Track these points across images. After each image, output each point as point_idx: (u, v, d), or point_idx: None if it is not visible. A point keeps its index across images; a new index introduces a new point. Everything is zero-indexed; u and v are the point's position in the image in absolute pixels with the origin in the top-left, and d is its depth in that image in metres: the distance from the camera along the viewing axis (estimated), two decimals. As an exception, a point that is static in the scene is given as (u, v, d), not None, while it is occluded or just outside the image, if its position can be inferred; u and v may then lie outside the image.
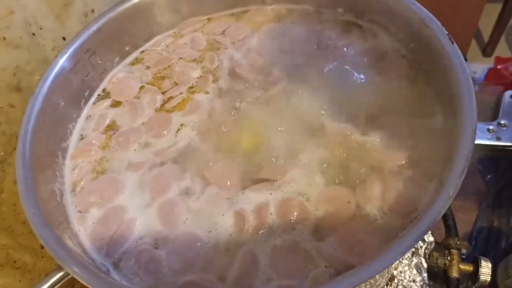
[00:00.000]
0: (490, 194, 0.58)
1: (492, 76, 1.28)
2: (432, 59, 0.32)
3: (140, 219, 0.31)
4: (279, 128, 0.33)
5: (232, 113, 0.35)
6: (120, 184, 0.33)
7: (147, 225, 0.31)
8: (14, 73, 0.36)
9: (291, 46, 0.38)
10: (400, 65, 0.35)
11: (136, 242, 0.30)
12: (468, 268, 0.44)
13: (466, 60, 0.70)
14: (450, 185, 0.24)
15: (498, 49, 1.72)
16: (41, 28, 0.38)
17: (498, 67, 1.25)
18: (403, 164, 0.30)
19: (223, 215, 0.30)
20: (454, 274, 0.42)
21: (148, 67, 0.42)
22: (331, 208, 0.29)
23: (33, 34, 0.38)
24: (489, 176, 0.59)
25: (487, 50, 1.77)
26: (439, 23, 0.32)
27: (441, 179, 0.26)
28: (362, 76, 0.35)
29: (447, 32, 0.31)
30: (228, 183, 0.31)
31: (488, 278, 0.43)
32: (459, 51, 0.29)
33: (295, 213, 0.29)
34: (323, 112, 0.33)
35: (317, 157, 0.31)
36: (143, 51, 0.43)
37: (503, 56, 1.44)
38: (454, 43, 0.30)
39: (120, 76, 0.41)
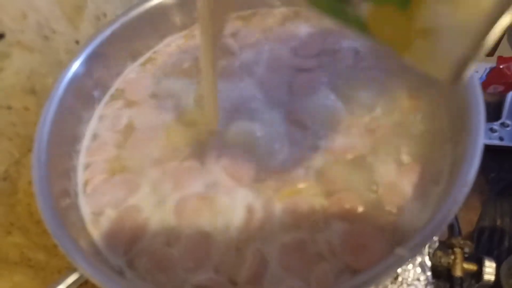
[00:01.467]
0: (493, 193, 0.58)
1: (494, 75, 1.28)
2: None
3: (155, 217, 0.32)
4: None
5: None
6: (134, 183, 0.34)
7: (162, 222, 0.32)
8: (29, 77, 0.37)
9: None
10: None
11: (150, 240, 0.31)
12: (472, 267, 0.44)
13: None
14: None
15: (500, 49, 1.72)
16: (54, 32, 0.39)
17: (501, 66, 1.26)
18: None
19: (235, 210, 0.31)
20: (458, 273, 0.42)
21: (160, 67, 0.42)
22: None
23: (46, 38, 0.39)
24: (492, 175, 0.60)
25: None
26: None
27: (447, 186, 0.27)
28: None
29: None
30: (244, 177, 0.32)
31: (492, 278, 0.44)
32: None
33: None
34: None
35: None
36: (155, 52, 0.44)
37: (505, 55, 1.44)
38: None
39: (133, 76, 0.42)
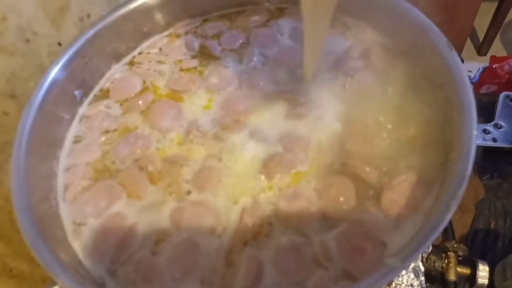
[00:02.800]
0: (487, 195, 0.58)
1: (487, 75, 1.28)
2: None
3: (142, 223, 0.31)
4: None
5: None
6: (117, 190, 0.33)
7: (149, 229, 0.31)
8: (8, 80, 0.36)
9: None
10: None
11: (135, 249, 0.30)
12: (466, 271, 0.44)
13: (462, 61, 0.69)
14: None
15: (493, 48, 1.73)
16: (36, 34, 0.38)
17: (493, 66, 1.26)
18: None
19: (226, 215, 0.30)
20: (452, 277, 0.42)
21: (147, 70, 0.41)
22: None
23: (28, 40, 0.37)
24: (486, 177, 0.59)
25: (482, 49, 1.78)
26: (438, 30, 0.31)
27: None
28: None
29: (446, 39, 0.31)
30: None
31: (486, 281, 0.43)
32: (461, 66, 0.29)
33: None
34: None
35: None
36: (140, 53, 0.43)
37: (498, 55, 1.44)
38: (453, 50, 0.30)
39: (119, 76, 0.41)
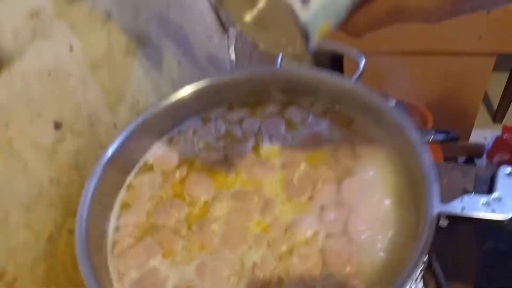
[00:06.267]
0: (487, 266, 0.61)
1: (499, 144, 1.33)
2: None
3: (172, 276, 0.39)
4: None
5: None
6: (155, 248, 0.41)
7: (178, 280, 0.38)
8: (75, 155, 0.46)
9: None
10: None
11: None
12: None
13: (458, 138, 0.76)
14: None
15: (507, 118, 1.78)
16: (99, 119, 0.49)
17: (504, 136, 1.31)
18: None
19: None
20: None
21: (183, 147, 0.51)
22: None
23: (92, 124, 0.48)
24: (485, 247, 0.63)
25: (497, 116, 1.83)
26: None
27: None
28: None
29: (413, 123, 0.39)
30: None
31: None
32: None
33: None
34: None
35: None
36: (179, 132, 0.53)
37: (510, 125, 1.49)
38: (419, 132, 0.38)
39: (161, 152, 0.51)
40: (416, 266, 0.31)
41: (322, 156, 0.46)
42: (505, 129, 1.37)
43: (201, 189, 0.45)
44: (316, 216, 0.41)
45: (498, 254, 0.62)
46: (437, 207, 0.34)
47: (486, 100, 1.89)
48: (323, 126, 0.49)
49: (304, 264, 0.37)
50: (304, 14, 0.27)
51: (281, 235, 0.40)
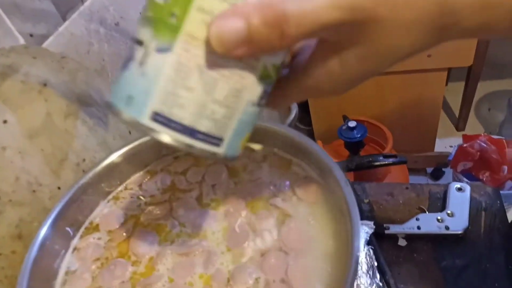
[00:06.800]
0: (447, 282, 0.63)
1: (461, 153, 1.37)
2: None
3: None
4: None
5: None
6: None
7: None
8: (17, 225, 0.46)
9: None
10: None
11: None
12: None
13: (405, 161, 0.78)
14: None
15: (471, 124, 1.85)
16: (40, 185, 0.49)
17: (465, 145, 1.35)
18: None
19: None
20: None
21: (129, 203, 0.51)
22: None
23: (34, 191, 0.48)
24: (443, 264, 0.65)
25: (459, 125, 1.89)
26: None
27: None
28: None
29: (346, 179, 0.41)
30: None
31: None
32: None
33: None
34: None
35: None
36: (125, 189, 0.53)
37: (474, 130, 1.55)
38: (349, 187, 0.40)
39: (106, 211, 0.51)
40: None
41: (262, 201, 0.47)
42: (466, 138, 1.42)
43: (146, 245, 0.46)
44: (257, 264, 0.41)
45: (456, 269, 0.64)
46: (359, 246, 0.35)
47: (448, 110, 1.96)
48: (264, 170, 0.51)
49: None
50: (222, 149, 0.29)
51: (223, 286, 0.40)
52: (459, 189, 0.73)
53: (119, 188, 0.54)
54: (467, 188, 0.73)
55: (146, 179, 0.54)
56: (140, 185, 0.53)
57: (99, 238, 0.49)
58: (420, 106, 1.50)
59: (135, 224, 0.49)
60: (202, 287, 0.41)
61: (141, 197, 0.52)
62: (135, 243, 0.47)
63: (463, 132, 1.84)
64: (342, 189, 0.40)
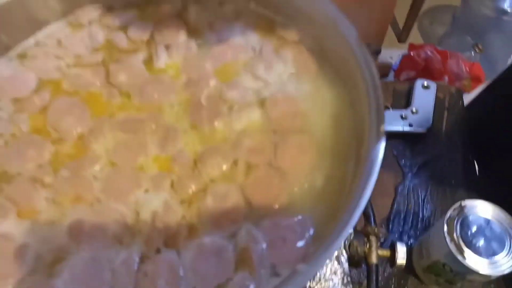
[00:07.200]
0: (405, 178, 0.61)
1: (406, 62, 1.36)
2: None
3: (34, 244, 0.27)
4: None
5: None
6: (4, 207, 0.28)
7: (42, 249, 0.27)
8: None
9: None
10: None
11: (25, 274, 0.26)
12: (386, 253, 0.46)
13: (379, 51, 0.72)
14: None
15: (412, 36, 1.85)
16: None
17: (411, 53, 1.34)
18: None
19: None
20: (374, 260, 0.43)
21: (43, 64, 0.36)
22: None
23: None
24: (403, 161, 0.63)
25: (402, 36, 1.88)
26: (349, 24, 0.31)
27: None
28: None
29: (357, 34, 0.30)
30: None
31: (404, 262, 0.46)
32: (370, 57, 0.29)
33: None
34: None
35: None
36: (36, 44, 0.38)
37: (416, 42, 1.53)
38: (364, 46, 0.30)
39: (8, 73, 0.36)
40: (364, 192, 0.24)
41: (237, 68, 0.36)
42: (411, 47, 1.40)
43: (72, 119, 0.33)
44: (233, 144, 0.31)
45: (416, 167, 0.62)
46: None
47: (393, 20, 1.92)
48: (236, 31, 0.38)
49: (221, 205, 0.28)
50: None
51: (189, 171, 0.30)
52: (425, 87, 0.69)
53: (27, 43, 0.37)
54: (433, 86, 0.69)
55: (66, 33, 0.38)
56: (59, 41, 0.38)
57: (-1, 109, 0.34)
58: (370, 10, 1.42)
59: (54, 91, 0.35)
60: (157, 171, 0.31)
61: (61, 57, 0.37)
62: (55, 115, 0.33)
63: (404, 44, 1.84)
64: (352, 49, 0.30)
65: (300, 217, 0.28)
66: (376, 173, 0.24)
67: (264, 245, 0.26)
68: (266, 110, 0.33)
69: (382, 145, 0.25)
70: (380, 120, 0.26)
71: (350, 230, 0.22)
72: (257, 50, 0.36)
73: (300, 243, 0.26)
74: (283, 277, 0.25)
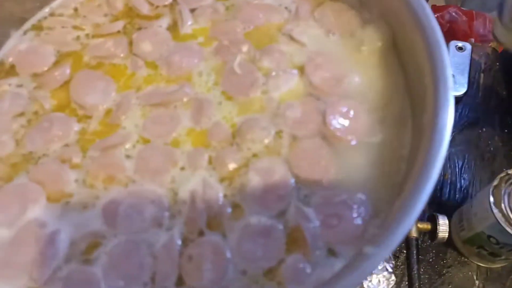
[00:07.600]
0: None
1: (429, 25, 1.29)
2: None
3: (67, 229, 0.25)
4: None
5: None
6: (33, 191, 0.26)
7: (76, 235, 0.25)
8: None
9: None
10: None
11: (61, 262, 0.24)
12: (426, 226, 0.44)
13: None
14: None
15: (432, -2, 1.75)
16: None
17: (435, 16, 1.27)
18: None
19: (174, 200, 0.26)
20: (413, 234, 0.42)
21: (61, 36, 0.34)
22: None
23: None
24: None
25: (422, -2, 1.79)
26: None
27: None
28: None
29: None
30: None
31: (446, 235, 0.44)
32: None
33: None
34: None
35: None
36: (51, 15, 0.35)
37: (438, 4, 1.46)
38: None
39: (24, 47, 0.33)
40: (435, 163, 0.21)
41: (271, 31, 0.32)
42: (434, 9, 1.33)
43: (97, 94, 0.30)
44: (273, 114, 0.28)
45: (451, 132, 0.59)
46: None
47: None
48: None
49: (266, 181, 0.26)
50: None
51: (227, 146, 0.28)
52: (460, 48, 0.64)
53: (41, 13, 0.35)
54: (468, 47, 0.64)
55: (82, 0, 0.35)
56: (75, 9, 0.35)
57: (18, 86, 0.31)
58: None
59: (76, 64, 0.32)
60: (192, 148, 0.28)
61: (79, 27, 0.34)
62: (78, 90, 0.31)
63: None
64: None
65: (354, 192, 0.25)
66: (447, 143, 0.21)
67: (317, 223, 0.24)
68: (307, 75, 0.30)
69: (451, 113, 0.22)
70: (447, 84, 0.23)
71: (421, 206, 0.20)
72: (293, 10, 0.33)
73: (358, 221, 0.24)
74: (344, 260, 0.22)
